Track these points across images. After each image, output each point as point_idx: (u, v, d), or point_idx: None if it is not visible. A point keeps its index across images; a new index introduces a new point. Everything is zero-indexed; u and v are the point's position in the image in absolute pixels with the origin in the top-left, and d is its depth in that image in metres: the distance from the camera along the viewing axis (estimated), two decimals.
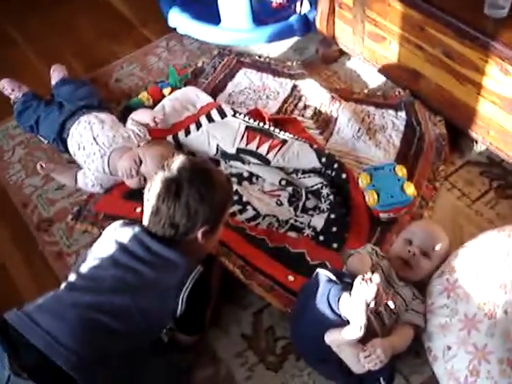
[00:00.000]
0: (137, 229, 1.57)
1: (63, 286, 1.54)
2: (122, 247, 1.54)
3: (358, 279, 1.43)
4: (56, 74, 2.62)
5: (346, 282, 1.53)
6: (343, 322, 1.48)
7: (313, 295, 1.58)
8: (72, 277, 1.56)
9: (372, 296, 1.40)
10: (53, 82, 2.60)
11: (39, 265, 2.05)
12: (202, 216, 1.54)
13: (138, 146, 2.17)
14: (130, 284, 1.50)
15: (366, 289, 1.41)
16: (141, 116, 2.28)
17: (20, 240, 2.15)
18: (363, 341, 1.48)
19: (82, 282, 1.53)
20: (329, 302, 1.51)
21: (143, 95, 2.49)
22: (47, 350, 1.37)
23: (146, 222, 1.58)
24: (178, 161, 1.58)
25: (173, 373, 1.64)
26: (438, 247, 1.73)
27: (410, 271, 1.71)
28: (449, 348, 1.55)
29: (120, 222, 1.65)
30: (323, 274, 1.60)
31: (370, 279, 1.42)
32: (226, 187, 1.66)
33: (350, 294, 1.44)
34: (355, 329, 1.43)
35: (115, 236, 1.58)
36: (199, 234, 1.56)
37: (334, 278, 1.56)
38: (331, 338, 1.51)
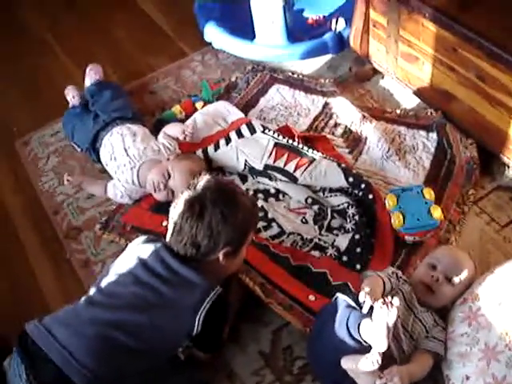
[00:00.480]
0: (159, 246, 1.59)
1: (83, 299, 1.56)
2: (143, 264, 1.56)
3: (379, 303, 1.42)
4: (92, 73, 2.66)
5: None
6: (361, 348, 1.47)
7: (331, 320, 1.57)
8: (92, 291, 1.58)
9: (393, 320, 1.39)
10: (87, 83, 2.65)
11: (66, 273, 2.09)
12: (224, 237, 1.55)
13: (168, 159, 2.20)
14: (149, 302, 1.51)
15: (386, 313, 1.40)
16: (172, 130, 2.31)
17: (49, 247, 2.19)
18: (381, 366, 1.47)
19: (102, 298, 1.54)
20: (348, 327, 1.50)
21: (176, 108, 2.52)
22: (64, 366, 1.40)
23: (168, 239, 1.60)
24: (204, 180, 1.59)
25: None
26: (462, 275, 1.69)
27: (431, 297, 1.68)
28: (467, 378, 1.52)
29: (144, 237, 1.67)
30: (342, 298, 1.59)
31: (391, 303, 1.41)
32: (251, 210, 1.66)
33: (371, 319, 1.43)
34: (375, 356, 1.42)
35: (137, 252, 1.60)
36: (221, 255, 1.57)
37: (353, 303, 1.55)
38: (348, 364, 1.50)
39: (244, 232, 1.63)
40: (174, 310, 1.52)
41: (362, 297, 1.50)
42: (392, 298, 1.43)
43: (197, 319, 1.51)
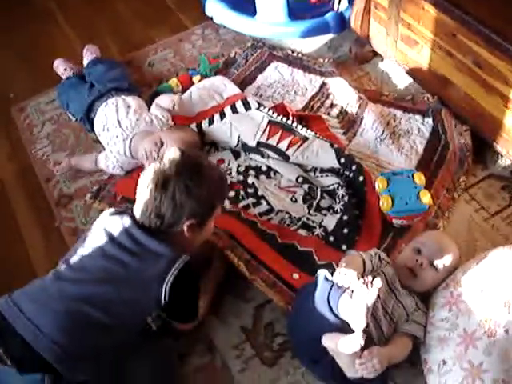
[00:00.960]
0: (125, 219, 1.58)
1: (51, 273, 1.56)
2: (110, 237, 1.56)
3: (359, 282, 1.42)
4: (89, 53, 2.66)
5: None
6: (342, 325, 1.47)
7: (311, 296, 1.57)
8: (61, 265, 1.58)
9: (372, 300, 1.40)
10: (85, 62, 2.65)
11: (55, 240, 2.09)
12: (187, 209, 1.53)
13: (161, 130, 2.19)
14: (117, 275, 1.52)
15: (366, 292, 1.40)
16: (163, 100, 2.31)
17: (40, 214, 2.20)
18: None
19: (70, 272, 1.54)
20: (329, 303, 1.50)
21: (173, 81, 2.51)
22: (32, 341, 1.40)
23: (135, 211, 1.59)
24: (171, 152, 1.57)
25: (162, 364, 1.65)
26: (446, 260, 1.69)
27: (414, 281, 1.69)
28: (444, 362, 1.53)
29: (110, 210, 1.66)
30: (322, 273, 1.59)
31: (371, 282, 1.41)
32: (218, 183, 1.64)
33: (351, 295, 1.43)
34: (356, 337, 1.42)
35: (105, 225, 1.60)
36: (185, 227, 1.56)
37: (331, 277, 1.55)
38: (329, 343, 1.51)
39: (209, 205, 1.61)
40: (142, 281, 1.52)
41: (336, 275, 1.51)
42: (373, 278, 1.43)
43: (163, 288, 1.51)
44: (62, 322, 1.43)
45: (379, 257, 1.72)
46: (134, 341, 1.59)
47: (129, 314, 1.52)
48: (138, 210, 1.58)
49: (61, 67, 2.64)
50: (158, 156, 2.10)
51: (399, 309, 1.64)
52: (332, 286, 1.52)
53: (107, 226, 1.59)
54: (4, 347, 1.41)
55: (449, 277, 1.69)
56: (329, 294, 1.51)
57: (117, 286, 1.50)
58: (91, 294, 1.49)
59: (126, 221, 1.57)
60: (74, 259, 1.57)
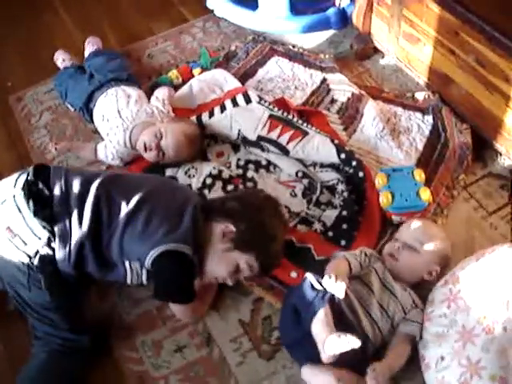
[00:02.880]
0: None
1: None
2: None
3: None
4: (90, 45, 2.64)
5: None
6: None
7: (299, 301, 1.62)
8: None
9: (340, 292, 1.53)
10: (86, 54, 2.63)
11: None
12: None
13: (162, 122, 2.18)
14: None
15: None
16: (161, 93, 2.31)
17: None
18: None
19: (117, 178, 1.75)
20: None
21: (173, 73, 2.50)
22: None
23: None
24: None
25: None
26: (427, 243, 1.74)
27: (396, 265, 1.73)
28: (442, 358, 1.54)
29: None
30: (308, 279, 1.63)
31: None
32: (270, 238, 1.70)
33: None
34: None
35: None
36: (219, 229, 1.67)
37: (318, 286, 1.58)
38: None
39: (251, 240, 1.66)
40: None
41: (325, 282, 1.56)
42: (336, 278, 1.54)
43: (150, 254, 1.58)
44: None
45: (365, 254, 1.74)
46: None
47: (115, 242, 1.61)
48: None
49: (60, 57, 2.62)
50: (156, 147, 2.09)
51: (395, 304, 1.66)
52: (316, 295, 1.56)
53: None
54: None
55: (447, 273, 1.70)
56: (312, 303, 1.55)
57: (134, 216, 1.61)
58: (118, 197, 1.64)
59: None
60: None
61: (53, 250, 1.58)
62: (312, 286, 1.59)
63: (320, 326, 1.50)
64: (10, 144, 2.42)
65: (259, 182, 2.09)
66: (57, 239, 1.57)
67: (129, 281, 1.67)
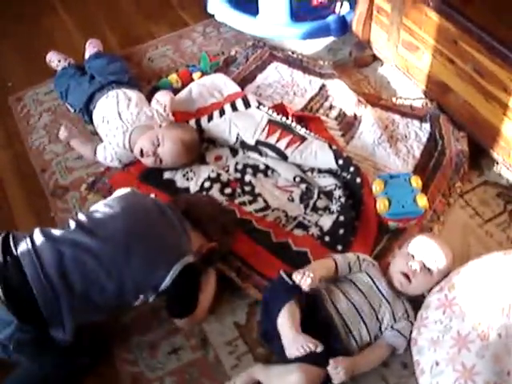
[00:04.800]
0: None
1: (72, 221, 1.61)
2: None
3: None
4: (91, 47, 2.65)
5: None
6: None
7: (270, 294, 1.67)
8: (82, 217, 1.63)
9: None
10: (86, 56, 2.64)
11: None
12: None
13: (160, 126, 2.19)
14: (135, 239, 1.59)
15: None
16: (161, 97, 2.31)
17: (35, 204, 2.19)
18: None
19: (90, 224, 1.59)
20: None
21: (172, 77, 2.52)
22: (32, 276, 1.45)
23: None
24: None
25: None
26: (440, 263, 1.70)
27: (408, 285, 1.69)
28: (437, 364, 1.54)
29: None
30: (281, 273, 1.66)
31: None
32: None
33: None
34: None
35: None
36: None
37: (288, 280, 1.62)
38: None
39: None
40: (154, 256, 1.58)
41: (294, 275, 1.60)
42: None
43: (169, 276, 1.57)
44: (63, 264, 1.48)
45: (358, 257, 1.75)
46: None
47: (128, 286, 1.55)
48: None
49: (55, 59, 2.63)
50: (153, 154, 2.10)
51: (385, 308, 1.67)
52: (285, 289, 1.60)
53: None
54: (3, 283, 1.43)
55: (443, 280, 1.70)
56: (278, 297, 1.59)
57: (130, 252, 1.55)
58: (101, 250, 1.53)
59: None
60: (96, 214, 1.62)
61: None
62: (283, 280, 1.61)
63: (284, 320, 1.53)
64: (8, 144, 2.44)
65: (257, 186, 2.10)
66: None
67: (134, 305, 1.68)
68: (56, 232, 1.56)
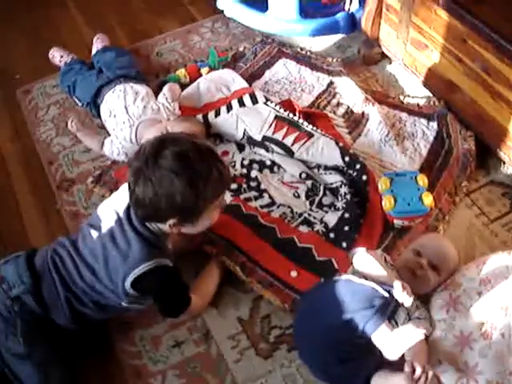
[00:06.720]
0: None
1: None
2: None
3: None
4: (99, 42, 2.66)
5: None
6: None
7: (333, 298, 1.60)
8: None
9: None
10: (94, 50, 2.64)
11: (55, 222, 2.10)
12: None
13: (168, 119, 2.19)
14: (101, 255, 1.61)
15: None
16: (167, 90, 2.32)
17: (41, 196, 2.20)
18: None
19: (80, 242, 1.66)
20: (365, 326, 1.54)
21: (181, 72, 2.52)
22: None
23: None
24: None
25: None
26: (446, 262, 1.70)
27: (415, 282, 1.67)
28: (440, 362, 1.54)
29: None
30: (369, 285, 1.61)
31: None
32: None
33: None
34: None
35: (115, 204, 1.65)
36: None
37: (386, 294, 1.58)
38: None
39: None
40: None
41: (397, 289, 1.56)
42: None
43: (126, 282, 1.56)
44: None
45: (385, 259, 1.73)
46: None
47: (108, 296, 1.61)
48: None
49: (57, 55, 2.64)
50: None
51: (402, 311, 1.63)
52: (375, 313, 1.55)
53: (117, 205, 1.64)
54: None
55: (448, 279, 1.70)
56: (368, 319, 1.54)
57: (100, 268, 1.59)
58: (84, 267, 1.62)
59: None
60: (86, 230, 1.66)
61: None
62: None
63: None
64: (15, 136, 2.45)
65: (263, 182, 2.10)
66: None
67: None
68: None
